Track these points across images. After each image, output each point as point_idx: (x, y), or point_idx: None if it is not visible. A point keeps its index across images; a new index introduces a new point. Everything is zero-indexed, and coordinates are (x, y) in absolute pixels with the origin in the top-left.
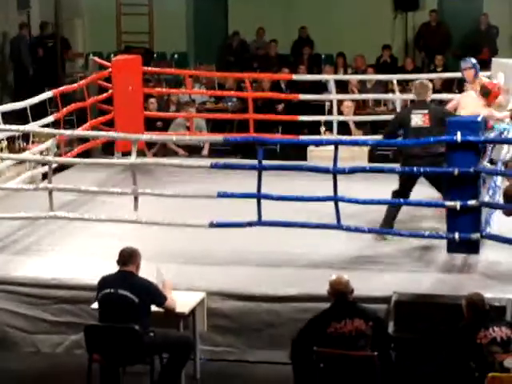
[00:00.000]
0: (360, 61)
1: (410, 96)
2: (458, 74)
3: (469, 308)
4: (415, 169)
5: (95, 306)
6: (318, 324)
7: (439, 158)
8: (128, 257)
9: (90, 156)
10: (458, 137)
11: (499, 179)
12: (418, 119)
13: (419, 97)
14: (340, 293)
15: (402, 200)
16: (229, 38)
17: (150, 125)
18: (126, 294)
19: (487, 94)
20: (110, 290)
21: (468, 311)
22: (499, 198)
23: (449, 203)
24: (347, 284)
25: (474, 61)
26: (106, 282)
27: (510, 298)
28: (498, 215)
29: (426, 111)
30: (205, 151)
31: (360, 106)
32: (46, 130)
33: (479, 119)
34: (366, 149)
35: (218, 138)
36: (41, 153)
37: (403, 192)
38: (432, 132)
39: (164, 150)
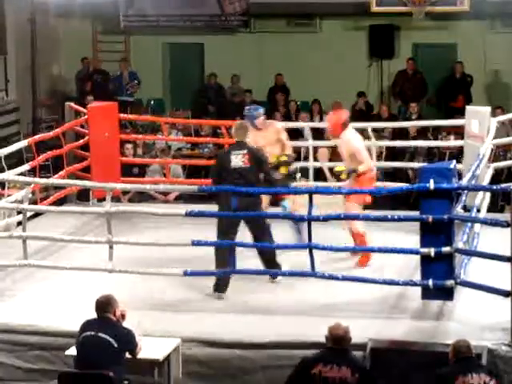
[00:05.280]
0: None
1: (386, 142)
2: (433, 122)
3: (453, 353)
4: None
5: (69, 352)
6: (305, 364)
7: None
8: (103, 305)
9: (65, 202)
10: (431, 184)
11: (478, 226)
12: (238, 160)
13: (238, 138)
14: (338, 338)
15: (376, 248)
16: (205, 79)
17: (127, 171)
18: (107, 337)
19: None
20: (91, 333)
21: (451, 356)
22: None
23: (423, 250)
24: (347, 330)
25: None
26: (87, 325)
27: (485, 346)
28: (477, 261)
29: (246, 151)
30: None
31: (335, 153)
32: (21, 178)
33: (452, 166)
34: None
35: (193, 187)
36: (16, 201)
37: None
38: (251, 172)
39: (140, 195)
